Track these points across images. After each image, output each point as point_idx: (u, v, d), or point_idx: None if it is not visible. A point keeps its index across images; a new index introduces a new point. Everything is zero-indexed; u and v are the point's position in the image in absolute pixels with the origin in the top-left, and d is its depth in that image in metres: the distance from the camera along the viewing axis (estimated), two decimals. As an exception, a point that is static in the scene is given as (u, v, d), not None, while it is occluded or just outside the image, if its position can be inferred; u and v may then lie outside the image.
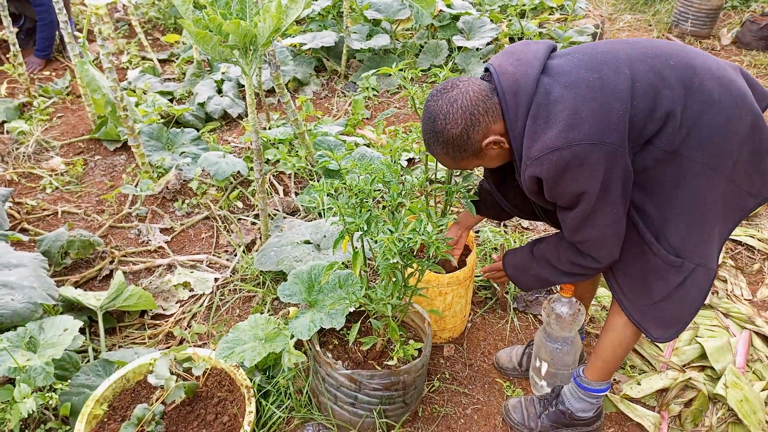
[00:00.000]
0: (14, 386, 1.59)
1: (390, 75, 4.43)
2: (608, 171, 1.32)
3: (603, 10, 6.23)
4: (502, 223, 2.87)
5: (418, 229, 1.54)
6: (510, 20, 4.73)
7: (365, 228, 1.62)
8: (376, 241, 1.58)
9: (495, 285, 2.44)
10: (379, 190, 1.70)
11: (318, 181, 3.03)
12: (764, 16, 5.28)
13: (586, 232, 1.44)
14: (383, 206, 1.70)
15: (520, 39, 4.65)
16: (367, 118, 3.84)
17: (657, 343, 2.20)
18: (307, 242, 2.40)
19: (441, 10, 4.67)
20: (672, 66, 1.36)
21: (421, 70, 4.38)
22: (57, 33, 4.59)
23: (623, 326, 1.60)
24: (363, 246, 1.73)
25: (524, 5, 4.82)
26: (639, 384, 2.02)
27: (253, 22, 1.98)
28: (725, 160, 1.36)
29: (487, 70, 1.49)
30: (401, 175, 1.77)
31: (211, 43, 1.92)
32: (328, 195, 1.66)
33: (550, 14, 5.14)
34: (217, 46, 1.96)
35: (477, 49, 4.36)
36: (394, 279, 1.68)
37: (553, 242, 1.63)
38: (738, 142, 1.36)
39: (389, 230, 1.57)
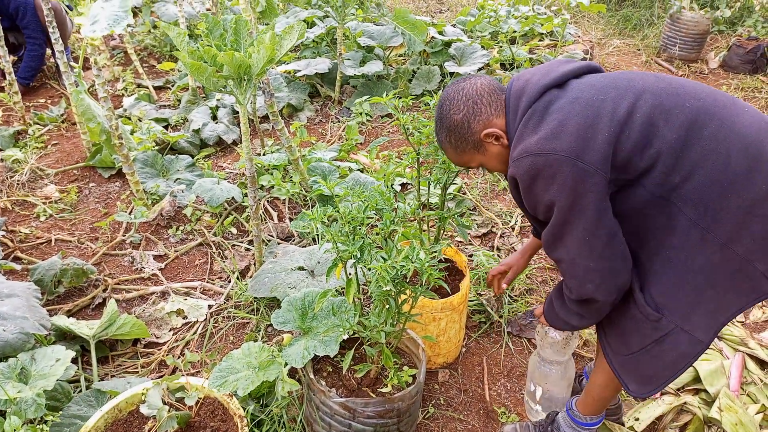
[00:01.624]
0: (5, 418, 1.58)
1: (383, 100, 4.48)
2: (579, 189, 1.27)
3: (592, 35, 6.35)
4: (495, 247, 2.88)
5: (410, 257, 1.56)
6: (501, 47, 4.81)
7: (358, 255, 1.63)
8: (369, 269, 1.59)
9: (489, 309, 2.44)
10: (372, 216, 1.72)
11: (312, 207, 3.05)
12: (750, 40, 5.40)
13: (558, 252, 1.40)
14: (376, 232, 1.71)
15: (510, 65, 4.72)
16: (361, 143, 3.88)
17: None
18: (301, 268, 2.40)
19: (433, 37, 4.75)
20: (686, 108, 1.29)
21: (413, 96, 4.46)
22: (53, 61, 4.64)
23: (607, 370, 1.60)
24: (356, 273, 1.74)
25: (515, 32, 4.91)
26: (638, 420, 2.00)
27: (248, 52, 2.02)
28: (721, 223, 1.26)
29: None
30: (394, 202, 1.79)
31: (205, 74, 1.95)
32: (321, 223, 1.67)
33: (540, 40, 5.23)
34: (211, 76, 1.99)
35: (468, 74, 4.42)
36: (387, 306, 1.68)
37: (558, 289, 1.59)
38: (741, 207, 1.24)
39: (382, 258, 1.58)
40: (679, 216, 1.29)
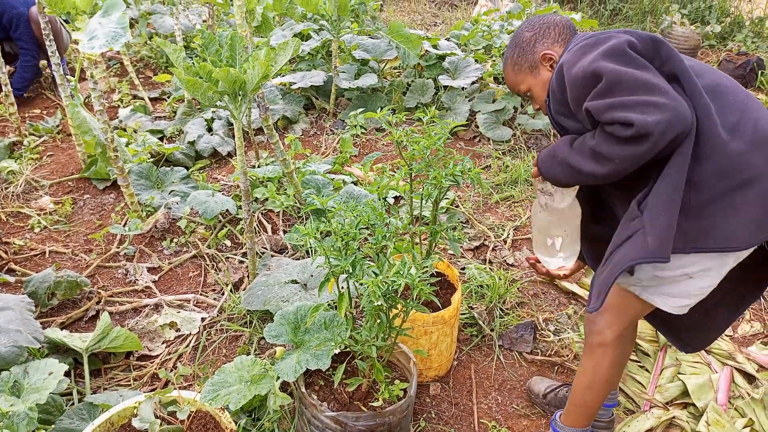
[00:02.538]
0: (-3, 432, 1.58)
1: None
2: (627, 48, 1.33)
3: (585, 49, 6.42)
4: (487, 260, 2.91)
5: (402, 272, 1.58)
6: (494, 60, 4.86)
7: (350, 270, 1.65)
8: (361, 284, 1.61)
9: (480, 323, 2.46)
10: (365, 229, 1.74)
11: (306, 219, 3.07)
12: (740, 55, 5.48)
13: (616, 99, 1.29)
14: (369, 246, 1.74)
15: (504, 79, 4.77)
16: (355, 156, 3.91)
17: (639, 380, 2.22)
18: (294, 282, 2.42)
19: (427, 51, 4.80)
20: (718, 76, 1.45)
21: (408, 109, 4.50)
22: (49, 72, 4.66)
23: (591, 369, 1.64)
24: (348, 287, 1.76)
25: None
26: (627, 432, 2.02)
27: (243, 68, 2.05)
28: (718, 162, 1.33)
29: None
30: (386, 217, 1.81)
31: (201, 90, 1.97)
32: (314, 238, 1.69)
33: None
34: (206, 92, 2.02)
35: (462, 88, 4.47)
36: (378, 320, 1.70)
37: (592, 132, 1.44)
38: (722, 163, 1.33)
39: (374, 273, 1.61)
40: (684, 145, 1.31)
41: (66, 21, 4.28)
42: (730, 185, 1.34)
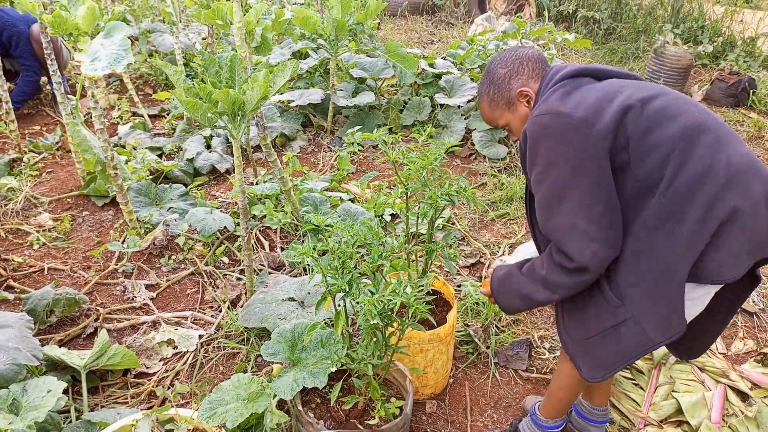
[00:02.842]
0: (-6, 451, 1.59)
1: (375, 130, 4.56)
2: (584, 152, 1.39)
3: (579, 68, 6.51)
4: (483, 277, 2.93)
5: (397, 290, 1.60)
6: (490, 79, 4.93)
7: (347, 289, 1.68)
8: (357, 302, 1.64)
9: (476, 340, 2.48)
10: (362, 248, 1.77)
11: (304, 237, 3.09)
12: (732, 74, 5.56)
13: (556, 220, 1.44)
14: (365, 265, 1.76)
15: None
16: (352, 173, 3.95)
17: (633, 398, 2.24)
18: (291, 299, 2.44)
19: (423, 69, 4.87)
20: (691, 115, 1.43)
21: (404, 126, 4.55)
22: (50, 89, 4.70)
23: (567, 372, 1.76)
24: (345, 306, 1.78)
25: (503, 65, 5.04)
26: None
27: (242, 89, 2.09)
28: (684, 226, 1.37)
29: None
30: (382, 236, 1.84)
31: (200, 111, 2.01)
32: (311, 257, 1.72)
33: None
34: (206, 113, 2.06)
35: (458, 106, 4.53)
36: (374, 339, 1.72)
37: (540, 261, 1.57)
38: (703, 221, 1.36)
39: (370, 291, 1.63)
40: (652, 211, 1.40)
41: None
42: (709, 229, 1.39)
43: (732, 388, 2.29)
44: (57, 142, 4.11)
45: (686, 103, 1.47)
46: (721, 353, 2.51)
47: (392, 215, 3.42)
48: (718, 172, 1.37)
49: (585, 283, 1.49)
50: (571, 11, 7.95)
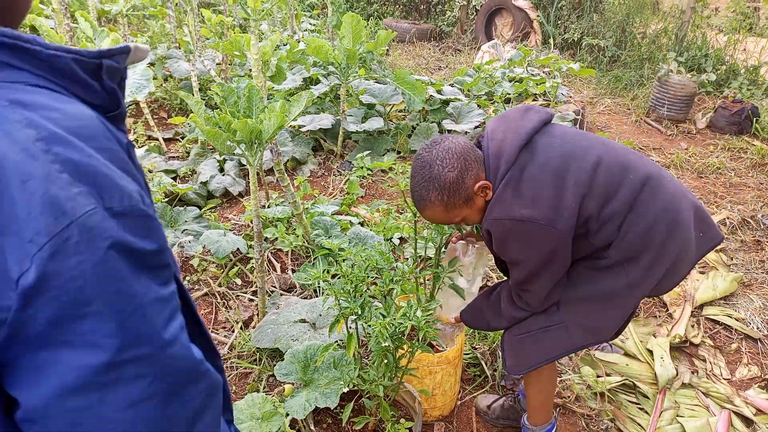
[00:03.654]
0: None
1: (384, 155, 4.67)
2: (551, 252, 1.55)
3: (584, 95, 6.62)
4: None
5: (408, 314, 1.67)
6: (496, 106, 5.04)
7: (359, 312, 1.74)
8: (369, 325, 1.70)
9: (483, 363, 2.53)
10: (373, 271, 1.84)
11: (315, 259, 3.16)
12: (735, 102, 5.65)
13: (526, 285, 1.66)
14: (376, 289, 1.83)
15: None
16: (362, 197, 4.03)
17: (639, 422, 2.27)
18: (303, 321, 2.50)
19: (432, 96, 4.98)
20: (629, 180, 1.56)
21: (412, 151, 4.65)
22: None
23: (535, 378, 1.89)
24: (357, 328, 1.84)
25: (509, 93, 5.16)
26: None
27: (259, 119, 2.18)
28: (637, 268, 1.58)
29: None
30: (393, 261, 1.91)
31: (220, 140, 2.11)
32: (324, 281, 1.79)
33: (533, 100, 5.48)
34: (225, 141, 2.15)
35: (465, 132, 4.63)
36: (385, 361, 1.78)
37: (504, 285, 1.83)
38: (653, 261, 1.58)
39: (381, 314, 1.70)
40: (607, 259, 1.60)
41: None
42: (657, 275, 1.62)
43: (737, 413, 2.32)
44: (75, 165, 4.22)
45: (620, 165, 1.57)
46: (725, 379, 2.54)
47: (401, 239, 3.49)
48: (659, 227, 1.56)
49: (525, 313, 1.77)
50: (576, 39, 8.10)
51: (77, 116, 0.57)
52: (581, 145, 1.60)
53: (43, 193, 0.50)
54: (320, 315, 2.52)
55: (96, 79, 0.60)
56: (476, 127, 4.71)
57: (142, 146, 4.59)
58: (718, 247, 3.55)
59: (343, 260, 1.83)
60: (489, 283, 3.16)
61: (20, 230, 0.50)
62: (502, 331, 1.88)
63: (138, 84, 2.35)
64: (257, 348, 2.49)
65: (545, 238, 1.51)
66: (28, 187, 0.50)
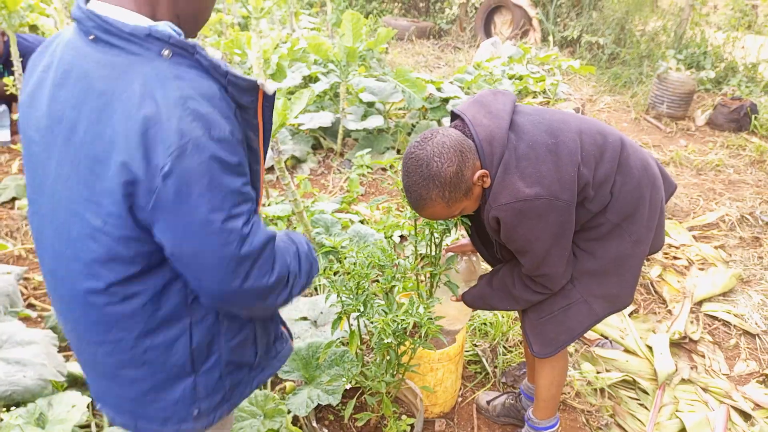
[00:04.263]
0: (23, 462, 1.66)
1: (384, 153, 4.67)
2: (560, 224, 1.57)
3: (583, 92, 6.63)
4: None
5: (410, 311, 1.68)
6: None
7: (362, 309, 1.75)
8: (371, 322, 1.71)
9: (484, 360, 2.54)
10: (376, 268, 1.85)
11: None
12: (734, 99, 5.66)
13: (543, 269, 1.65)
14: (378, 286, 1.84)
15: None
16: (362, 195, 4.04)
17: (639, 417, 2.29)
18: (304, 318, 2.51)
19: (431, 94, 4.99)
20: (609, 144, 1.64)
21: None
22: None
23: (549, 369, 1.90)
24: (359, 325, 1.85)
25: (509, 90, 5.16)
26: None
27: (261, 117, 2.19)
28: (635, 225, 1.68)
29: (455, 116, 1.64)
30: (395, 258, 1.93)
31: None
32: (327, 278, 1.80)
33: (533, 98, 5.49)
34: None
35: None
36: (388, 357, 1.79)
37: (508, 271, 1.77)
38: (647, 214, 1.69)
39: (384, 311, 1.71)
40: (607, 224, 1.67)
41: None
42: (653, 225, 1.74)
43: (735, 408, 2.33)
44: (75, 164, 4.23)
45: (597, 132, 1.66)
46: (724, 374, 2.56)
47: (401, 236, 3.49)
48: (644, 180, 1.67)
49: (541, 299, 1.78)
50: (575, 36, 8.11)
51: (206, 87, 0.98)
52: (557, 117, 1.66)
53: (177, 124, 0.92)
54: (321, 313, 2.53)
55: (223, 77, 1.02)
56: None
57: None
58: (717, 244, 3.57)
59: (345, 258, 1.84)
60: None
61: (164, 141, 0.91)
62: (520, 320, 1.90)
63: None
64: (259, 345, 2.50)
65: (554, 212, 1.54)
66: (171, 120, 0.92)
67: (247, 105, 1.06)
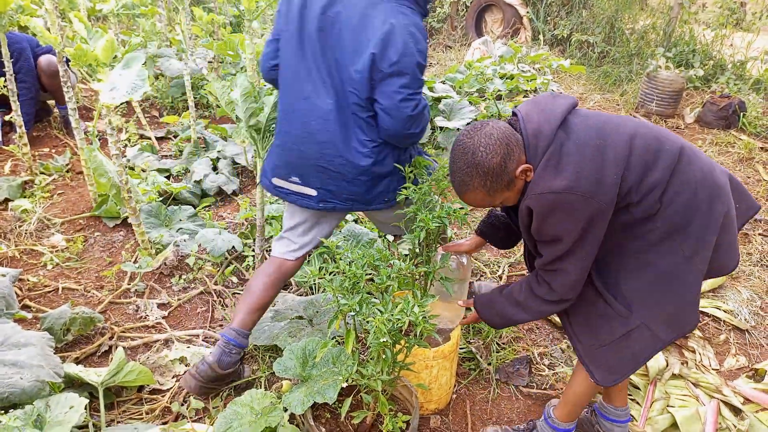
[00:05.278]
0: (22, 464, 1.67)
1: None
2: (590, 223, 1.55)
3: (574, 90, 6.67)
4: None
5: (406, 310, 1.70)
6: (487, 103, 5.08)
7: (358, 309, 1.77)
8: (367, 321, 1.73)
9: (478, 357, 2.57)
10: (371, 267, 1.87)
11: (310, 256, 3.18)
12: (722, 97, 5.72)
13: (557, 264, 1.65)
14: (374, 286, 1.86)
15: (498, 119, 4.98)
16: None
17: (630, 412, 2.32)
18: (300, 317, 2.53)
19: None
20: (666, 150, 1.60)
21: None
22: (58, 112, 4.81)
23: (584, 379, 1.85)
24: (355, 324, 1.87)
25: (500, 90, 5.19)
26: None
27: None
28: (687, 238, 1.60)
29: (514, 114, 1.71)
30: (390, 257, 1.94)
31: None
32: (321, 278, 1.82)
33: (524, 97, 5.52)
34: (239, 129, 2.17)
35: (457, 129, 4.66)
36: (383, 356, 1.81)
37: (519, 283, 1.83)
38: (703, 227, 1.60)
39: (379, 310, 1.73)
40: (655, 231, 1.60)
41: (68, 60, 4.43)
42: (711, 240, 1.64)
43: (725, 403, 2.38)
44: (67, 164, 4.21)
45: (654, 137, 1.62)
46: (714, 369, 2.60)
47: (395, 235, 3.51)
48: (702, 193, 1.59)
49: (558, 310, 1.76)
50: (565, 35, 8.15)
51: (417, 20, 1.95)
52: (614, 121, 1.65)
53: (402, 39, 1.89)
54: (317, 312, 2.55)
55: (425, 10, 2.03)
56: (468, 124, 4.75)
57: (135, 145, 4.59)
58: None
59: (340, 258, 1.86)
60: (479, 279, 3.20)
61: (394, 46, 1.89)
62: (578, 347, 1.81)
63: (134, 84, 2.36)
64: (254, 346, 2.52)
65: (585, 209, 1.52)
66: (400, 36, 1.89)
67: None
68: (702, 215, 1.59)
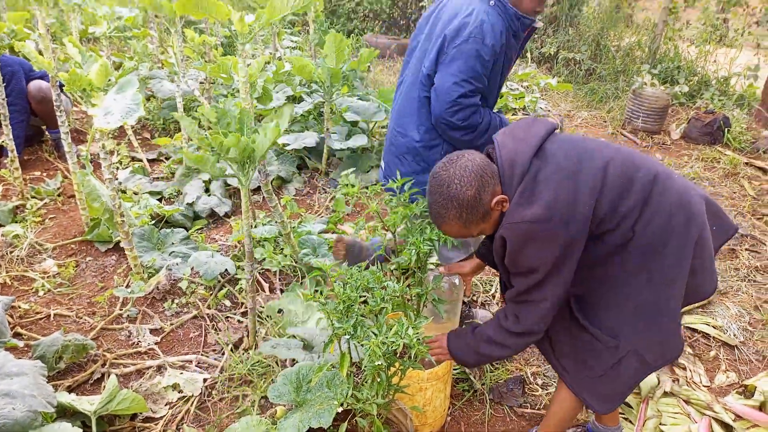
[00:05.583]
0: (15, 496, 1.65)
1: (368, 171, 4.72)
2: (563, 252, 1.57)
3: (561, 108, 6.77)
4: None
5: (400, 333, 1.71)
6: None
7: (352, 332, 1.78)
8: (362, 344, 1.74)
9: (471, 378, 2.58)
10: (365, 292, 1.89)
11: (303, 278, 3.19)
12: (707, 113, 5.82)
13: (525, 296, 1.67)
14: (368, 309, 1.87)
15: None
16: (348, 214, 4.08)
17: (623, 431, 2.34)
18: (294, 336, 2.52)
19: (414, 112, 5.05)
20: (640, 177, 1.61)
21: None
22: (49, 135, 4.81)
23: (566, 399, 1.87)
24: (349, 348, 1.88)
25: (490, 107, 5.26)
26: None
27: (252, 138, 2.22)
28: (664, 265, 1.61)
29: (492, 142, 1.73)
30: (384, 280, 1.96)
31: (209, 165, 2.14)
32: (316, 301, 1.83)
33: (513, 114, 5.59)
34: (214, 164, 2.19)
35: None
36: (378, 379, 1.82)
37: (491, 321, 1.83)
38: (680, 248, 1.61)
39: (374, 333, 1.74)
40: (632, 258, 1.62)
41: (62, 85, 4.45)
42: (686, 265, 1.66)
43: (716, 420, 2.39)
44: (58, 188, 4.21)
45: (629, 164, 1.63)
46: (705, 386, 2.62)
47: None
48: (678, 217, 1.61)
49: (529, 343, 1.78)
50: (552, 53, 8.28)
51: (496, 19, 2.18)
52: (589, 146, 1.66)
53: (476, 25, 2.16)
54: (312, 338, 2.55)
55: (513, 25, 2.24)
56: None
57: (126, 167, 4.59)
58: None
59: (334, 280, 1.88)
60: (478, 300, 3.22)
61: (466, 30, 2.17)
62: (567, 378, 1.82)
63: (129, 109, 2.38)
64: (248, 370, 2.51)
65: (558, 238, 1.54)
66: (471, 26, 2.17)
67: (520, 34, 2.27)
68: (678, 236, 1.60)
